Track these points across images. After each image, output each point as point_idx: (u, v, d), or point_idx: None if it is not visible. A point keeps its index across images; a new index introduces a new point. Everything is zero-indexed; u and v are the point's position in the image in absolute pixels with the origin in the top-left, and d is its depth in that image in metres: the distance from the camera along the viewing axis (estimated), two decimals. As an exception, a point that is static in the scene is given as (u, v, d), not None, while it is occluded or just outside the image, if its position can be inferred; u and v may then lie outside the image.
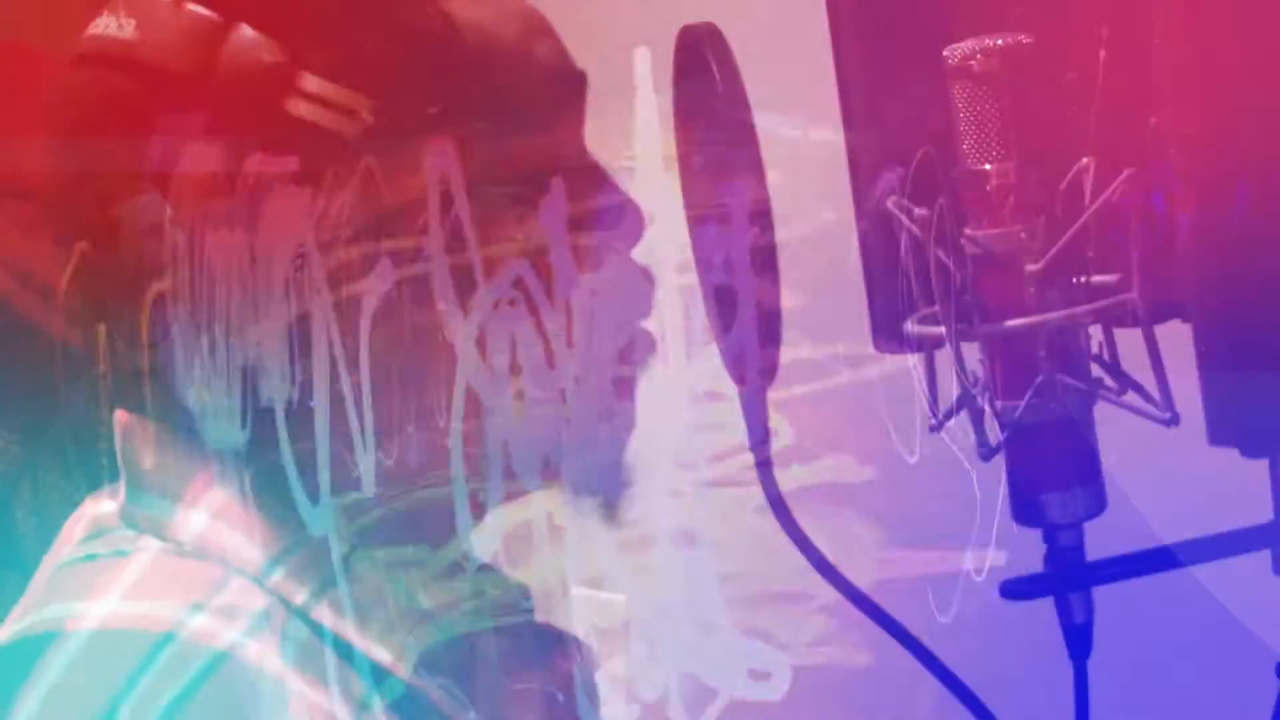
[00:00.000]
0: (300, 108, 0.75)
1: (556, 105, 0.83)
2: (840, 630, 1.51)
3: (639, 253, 0.90)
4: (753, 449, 0.87)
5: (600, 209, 0.87)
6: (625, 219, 0.87)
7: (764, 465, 0.87)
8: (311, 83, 0.75)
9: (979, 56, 0.80)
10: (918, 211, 0.80)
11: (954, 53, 0.80)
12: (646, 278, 0.87)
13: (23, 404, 1.46)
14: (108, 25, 0.78)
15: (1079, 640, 0.86)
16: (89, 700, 0.73)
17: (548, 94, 0.83)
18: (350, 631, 0.79)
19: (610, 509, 0.88)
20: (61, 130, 0.80)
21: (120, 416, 0.82)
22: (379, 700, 0.78)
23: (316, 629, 0.78)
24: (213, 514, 0.79)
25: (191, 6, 0.76)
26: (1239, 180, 0.74)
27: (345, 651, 0.79)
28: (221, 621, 0.76)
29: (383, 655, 0.79)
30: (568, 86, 0.85)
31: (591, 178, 0.87)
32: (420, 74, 0.78)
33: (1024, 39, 0.80)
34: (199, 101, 0.75)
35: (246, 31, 0.75)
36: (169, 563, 0.79)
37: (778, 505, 0.87)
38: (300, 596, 0.78)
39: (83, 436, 0.88)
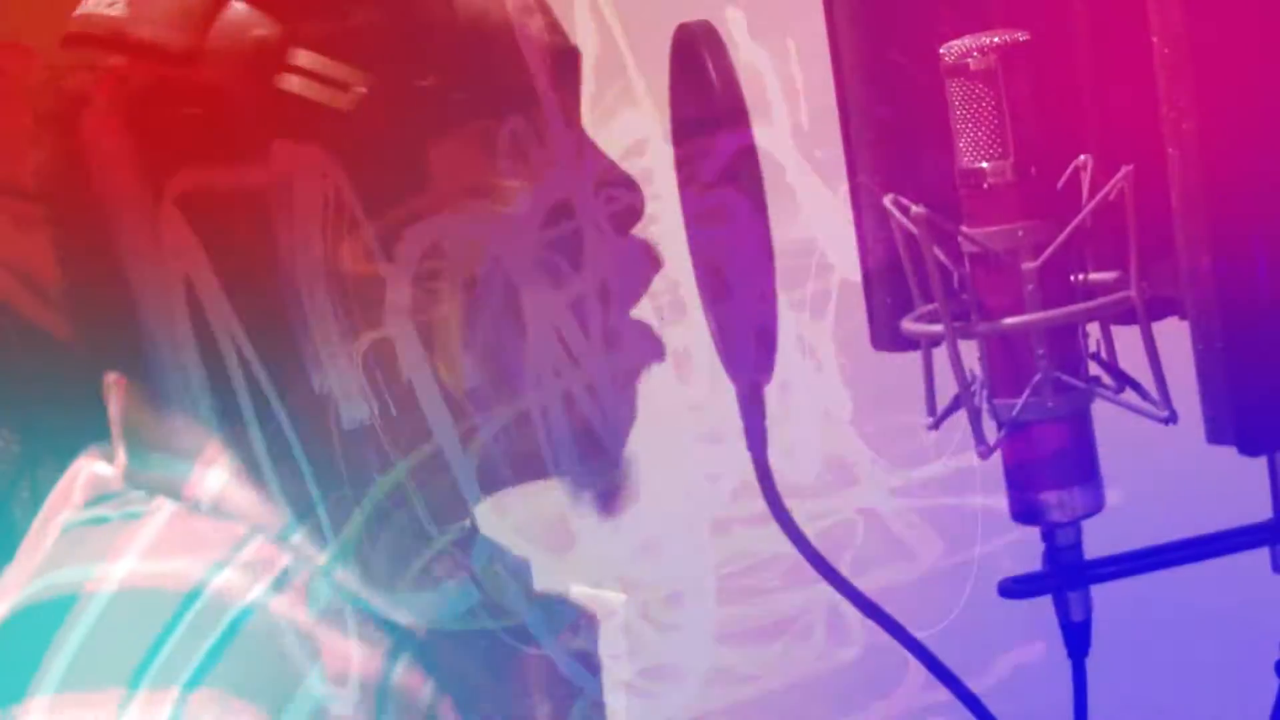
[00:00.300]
0: (291, 82, 0.75)
1: (552, 82, 0.83)
2: (838, 629, 1.51)
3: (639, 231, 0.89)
4: (750, 449, 0.87)
5: (602, 184, 0.86)
6: (627, 197, 0.87)
7: (761, 465, 0.87)
8: (303, 57, 0.75)
9: (975, 54, 0.80)
10: (915, 209, 0.80)
11: (950, 50, 0.80)
12: (649, 255, 0.87)
13: (21, 403, 1.47)
14: (97, 3, 0.78)
15: (1078, 638, 0.86)
16: (119, 661, 0.72)
17: (541, 70, 0.82)
18: (369, 592, 0.79)
19: (609, 502, 0.88)
20: (48, 113, 0.79)
21: (117, 379, 0.82)
22: (404, 655, 0.78)
23: (338, 588, 0.78)
24: (231, 473, 0.79)
25: None
26: (1239, 177, 0.74)
27: (366, 610, 0.79)
28: (246, 578, 0.76)
29: (402, 616, 0.79)
30: (561, 63, 0.84)
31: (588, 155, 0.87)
32: (412, 46, 0.78)
33: (1020, 36, 0.80)
34: (191, 79, 0.75)
35: (238, 6, 0.75)
36: (187, 522, 0.78)
37: (775, 505, 0.87)
38: (321, 557, 0.78)
39: (82, 434, 0.87)
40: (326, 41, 0.76)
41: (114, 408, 0.82)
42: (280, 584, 0.77)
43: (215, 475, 0.79)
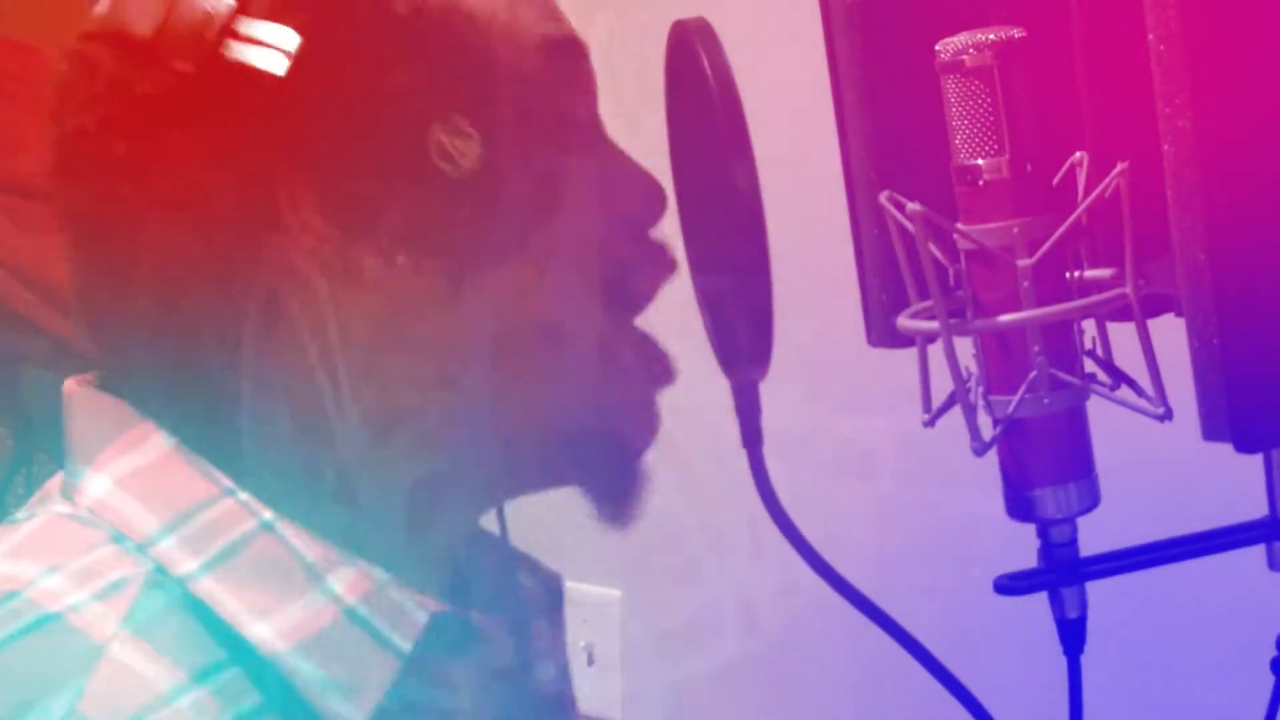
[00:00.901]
0: (232, 49, 0.76)
1: (554, 79, 0.83)
2: (835, 627, 1.51)
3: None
4: (745, 445, 0.87)
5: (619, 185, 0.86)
6: (649, 194, 0.87)
7: (757, 461, 0.87)
8: (243, 24, 0.76)
9: (971, 51, 0.80)
10: (910, 206, 0.80)
11: (946, 47, 0.80)
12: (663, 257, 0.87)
13: (17, 398, 1.47)
14: (100, 6, 0.79)
15: (1073, 636, 0.86)
16: None
17: (542, 66, 0.82)
18: (231, 605, 0.77)
19: (622, 515, 0.87)
20: (56, 117, 0.80)
21: (67, 386, 0.83)
22: (229, 675, 0.77)
23: (187, 600, 0.77)
24: (115, 480, 0.79)
25: None
26: (1234, 174, 0.74)
27: (213, 625, 0.77)
28: (69, 584, 0.76)
29: (263, 630, 0.77)
30: (561, 56, 0.84)
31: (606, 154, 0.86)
32: (362, 16, 0.78)
33: (1016, 33, 0.80)
34: (154, 62, 0.76)
35: None
36: (57, 525, 0.79)
37: (771, 503, 0.87)
38: (185, 566, 0.77)
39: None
40: (276, 11, 0.77)
41: (64, 414, 0.83)
42: (104, 594, 0.76)
43: (100, 481, 0.79)
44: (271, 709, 0.77)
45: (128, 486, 0.79)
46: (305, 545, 0.79)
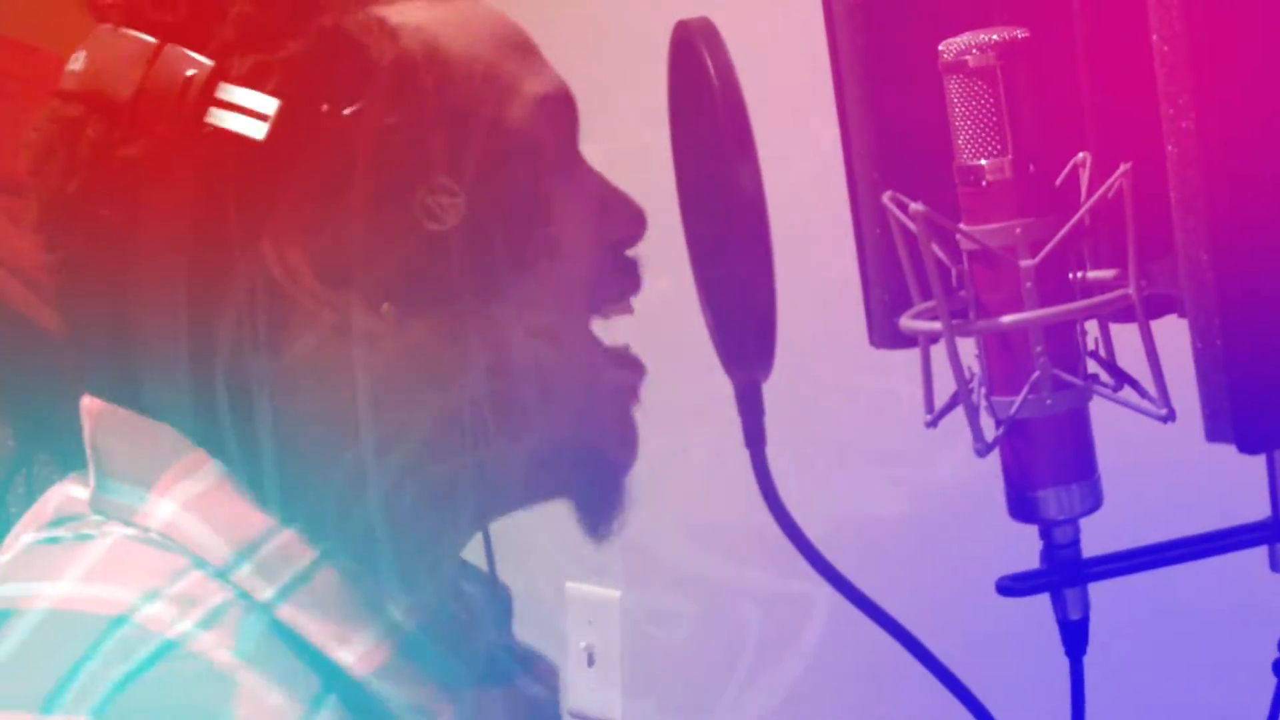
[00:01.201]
0: (212, 115, 0.77)
1: (539, 124, 0.85)
2: (836, 627, 1.51)
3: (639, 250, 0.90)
4: (748, 445, 0.87)
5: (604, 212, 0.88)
6: (632, 219, 0.88)
7: (759, 461, 0.87)
8: (222, 89, 0.77)
9: (974, 51, 0.80)
10: (913, 206, 0.80)
11: (949, 48, 0.80)
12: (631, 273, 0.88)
13: (17, 398, 1.46)
14: (73, 61, 0.81)
15: (1075, 637, 0.86)
16: (34, 683, 0.72)
17: (527, 114, 0.84)
18: (315, 631, 0.79)
19: (601, 532, 0.89)
20: (39, 178, 0.82)
21: (91, 404, 0.83)
22: (333, 700, 0.78)
23: (276, 626, 0.78)
24: (182, 504, 0.79)
25: (128, 31, 0.78)
26: (1238, 174, 0.74)
27: (303, 650, 0.78)
28: (174, 610, 0.76)
29: (345, 655, 0.79)
30: (553, 110, 0.86)
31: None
32: (342, 76, 0.79)
33: (1019, 33, 0.80)
34: (134, 126, 0.77)
35: (174, 50, 0.78)
36: (131, 549, 0.79)
37: (774, 503, 0.87)
38: (265, 593, 0.78)
39: (79, 431, 0.87)
40: (254, 74, 0.78)
41: (86, 431, 0.83)
42: (209, 621, 0.76)
43: (166, 505, 0.79)
44: None
45: (194, 511, 0.79)
46: (358, 575, 0.80)
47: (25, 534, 0.83)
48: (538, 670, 0.93)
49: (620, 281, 0.89)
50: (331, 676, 0.78)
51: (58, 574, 0.77)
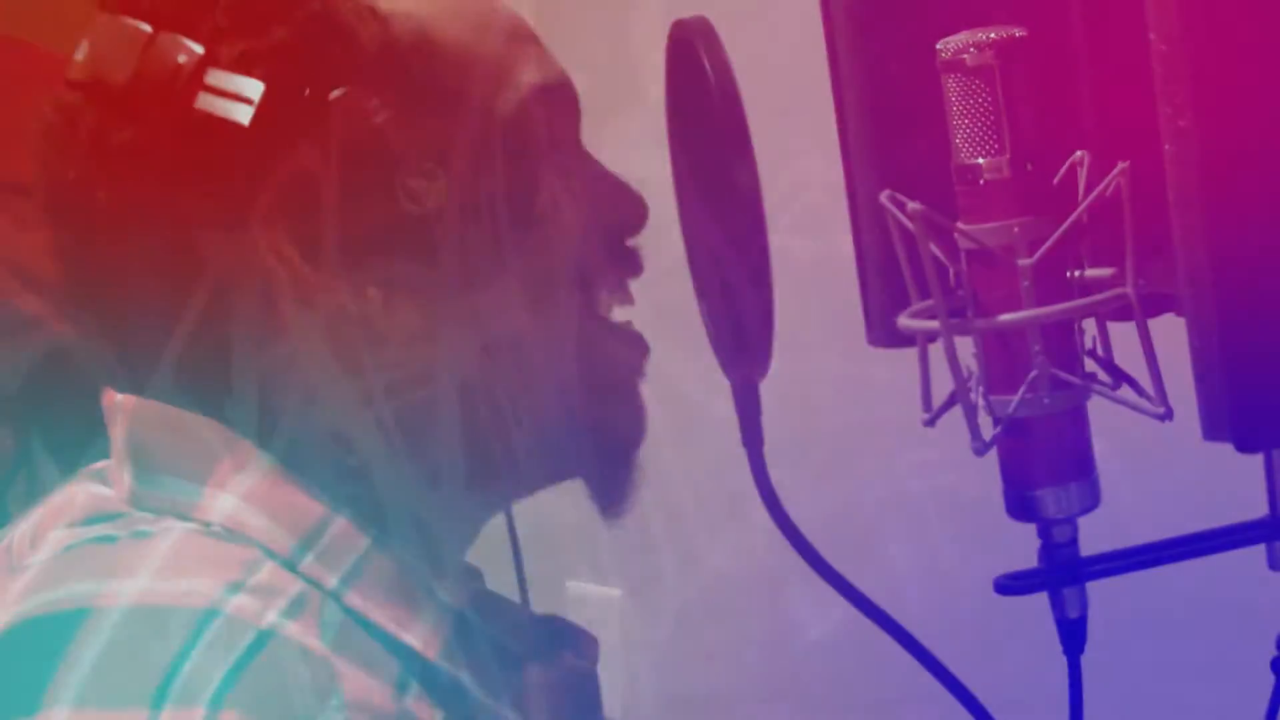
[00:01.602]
0: (201, 100, 0.78)
1: (536, 112, 0.85)
2: (835, 626, 1.51)
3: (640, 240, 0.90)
4: (745, 444, 0.87)
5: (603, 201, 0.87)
6: (632, 205, 0.88)
7: (757, 460, 0.87)
8: (211, 75, 0.78)
9: (972, 50, 0.80)
10: (911, 205, 0.80)
11: (947, 46, 0.80)
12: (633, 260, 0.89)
13: (18, 398, 1.47)
14: (79, 50, 0.81)
15: (1073, 635, 0.86)
16: (139, 678, 0.72)
17: (523, 98, 0.84)
18: (381, 617, 0.79)
19: (615, 510, 0.89)
20: (43, 164, 0.83)
21: (124, 400, 0.82)
22: (414, 683, 0.79)
23: (349, 613, 0.79)
24: (242, 496, 0.80)
25: (126, 19, 0.79)
26: (1235, 173, 0.74)
27: (378, 635, 0.79)
28: (260, 601, 0.76)
29: (412, 640, 0.80)
30: (553, 98, 0.86)
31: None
32: (330, 60, 0.79)
33: (1017, 32, 0.80)
34: (129, 111, 0.78)
35: (168, 37, 0.79)
36: (199, 542, 0.79)
37: (772, 503, 0.87)
38: (331, 581, 0.79)
39: (79, 430, 0.87)
40: (243, 60, 0.78)
41: (119, 429, 0.82)
42: (292, 611, 0.76)
43: (226, 499, 0.80)
44: (456, 712, 0.80)
45: (254, 503, 0.80)
46: (405, 560, 0.81)
47: (53, 532, 0.82)
48: (579, 643, 0.93)
49: (620, 269, 0.88)
50: (407, 659, 0.79)
51: (128, 571, 0.77)
